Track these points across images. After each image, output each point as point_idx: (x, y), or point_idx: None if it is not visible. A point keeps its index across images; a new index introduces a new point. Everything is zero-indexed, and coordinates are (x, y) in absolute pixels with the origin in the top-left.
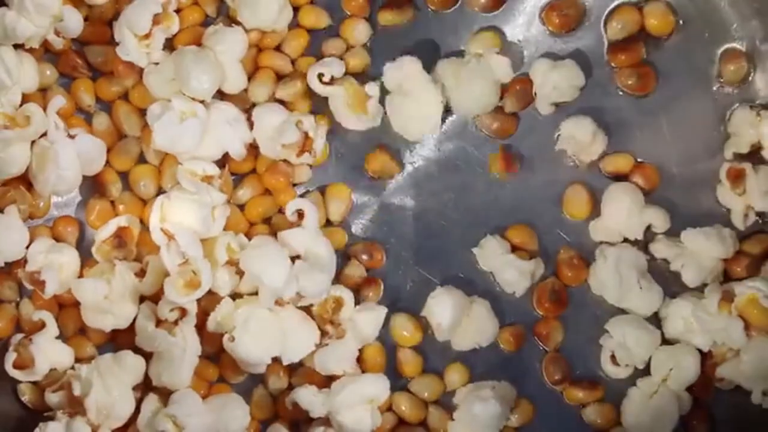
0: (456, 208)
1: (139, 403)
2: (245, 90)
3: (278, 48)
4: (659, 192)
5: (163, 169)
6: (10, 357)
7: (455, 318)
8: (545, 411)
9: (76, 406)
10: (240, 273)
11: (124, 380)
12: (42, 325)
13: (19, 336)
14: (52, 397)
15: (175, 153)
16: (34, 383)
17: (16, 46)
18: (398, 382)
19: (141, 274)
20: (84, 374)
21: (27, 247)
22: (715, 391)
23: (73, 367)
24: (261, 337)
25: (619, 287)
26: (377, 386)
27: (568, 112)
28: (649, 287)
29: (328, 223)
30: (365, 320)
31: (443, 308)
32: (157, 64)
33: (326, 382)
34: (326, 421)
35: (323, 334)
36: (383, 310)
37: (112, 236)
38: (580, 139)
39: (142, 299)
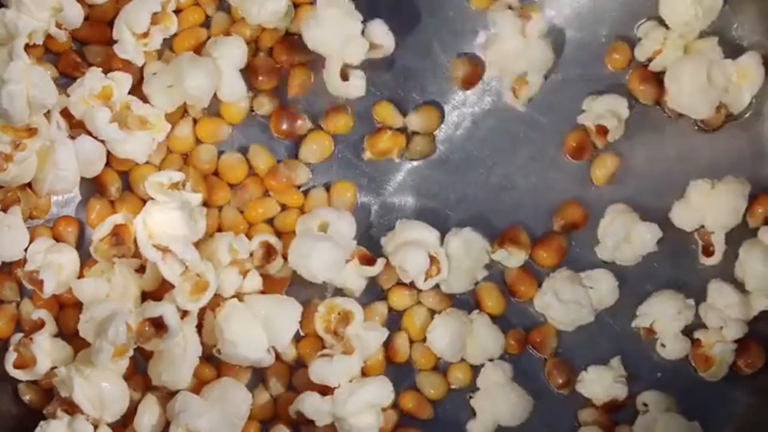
0: (456, 209)
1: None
2: None
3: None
4: None
5: (164, 169)
6: (11, 357)
7: (457, 343)
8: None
9: (71, 406)
10: (244, 273)
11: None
12: (41, 324)
13: (19, 335)
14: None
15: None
16: (34, 382)
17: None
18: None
19: (141, 270)
20: (63, 374)
21: (27, 248)
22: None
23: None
24: (246, 331)
25: None
26: (381, 391)
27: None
28: None
29: None
30: (369, 337)
31: (442, 338)
32: (155, 74)
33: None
34: (331, 426)
35: (325, 344)
36: (385, 332)
37: (110, 234)
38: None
39: (143, 297)
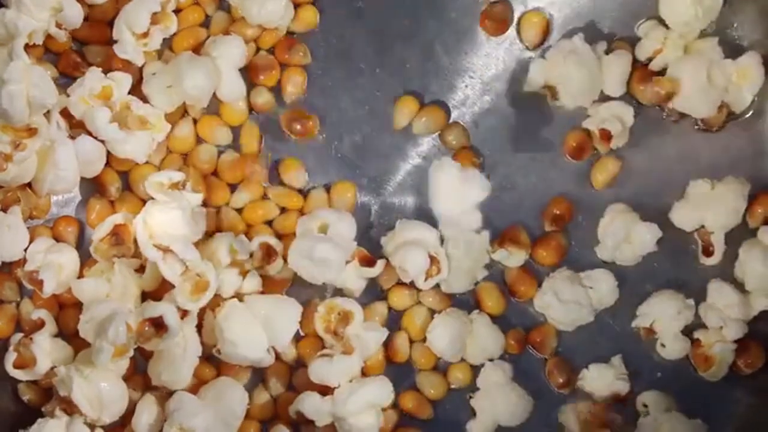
0: None
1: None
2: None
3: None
4: None
5: (164, 169)
6: (11, 357)
7: (457, 343)
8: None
9: (70, 406)
10: (243, 274)
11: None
12: (41, 324)
13: (19, 335)
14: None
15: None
16: (34, 382)
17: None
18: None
19: (141, 270)
20: (63, 374)
21: (27, 248)
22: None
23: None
24: (246, 331)
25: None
26: (381, 391)
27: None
28: None
29: None
30: (369, 337)
31: (442, 338)
32: (155, 74)
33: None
34: (331, 426)
35: (325, 344)
36: (385, 332)
37: (110, 234)
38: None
39: (144, 297)
